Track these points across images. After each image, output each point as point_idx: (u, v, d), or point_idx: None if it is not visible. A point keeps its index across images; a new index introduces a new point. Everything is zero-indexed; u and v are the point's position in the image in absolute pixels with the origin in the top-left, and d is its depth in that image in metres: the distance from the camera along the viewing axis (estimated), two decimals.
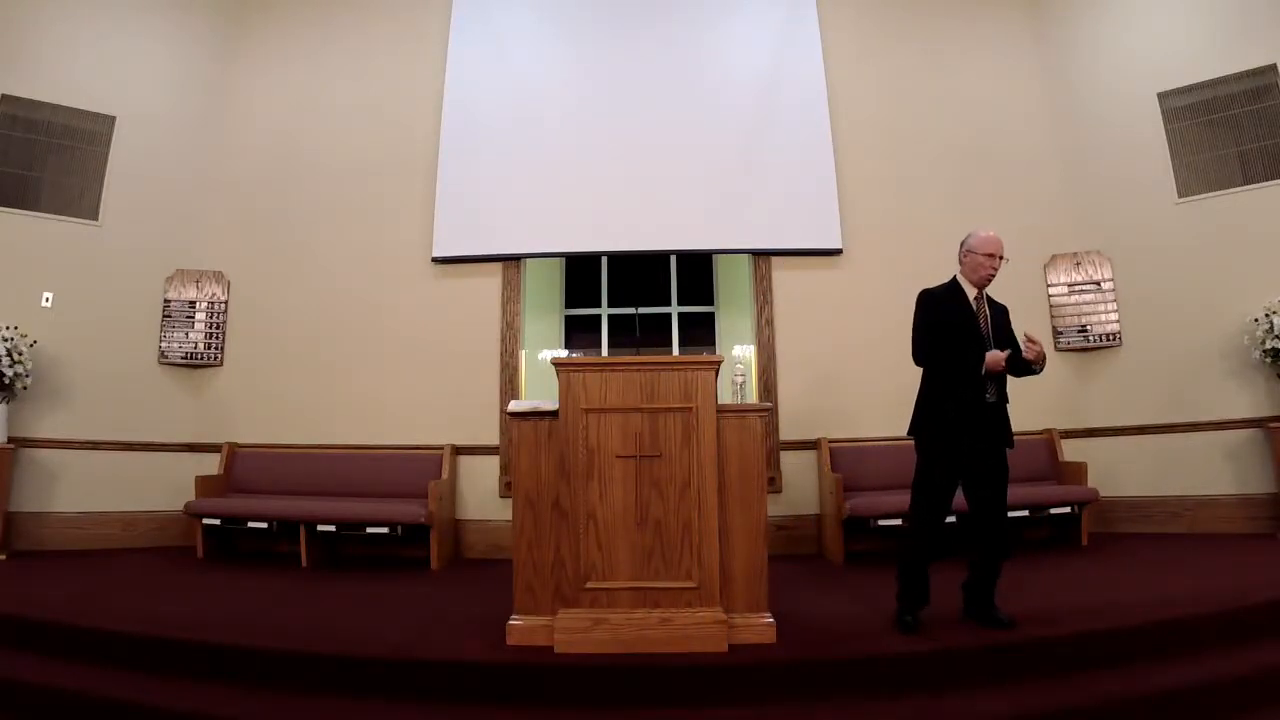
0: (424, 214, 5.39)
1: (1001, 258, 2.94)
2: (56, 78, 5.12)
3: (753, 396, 5.03)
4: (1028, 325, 4.99)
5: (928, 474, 2.89)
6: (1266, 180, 4.79)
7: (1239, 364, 4.75)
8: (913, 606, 2.82)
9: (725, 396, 3.55)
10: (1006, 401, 2.94)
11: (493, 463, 5.08)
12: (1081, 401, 5.17)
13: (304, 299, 5.39)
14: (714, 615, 2.65)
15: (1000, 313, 3.04)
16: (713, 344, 5.76)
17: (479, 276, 5.34)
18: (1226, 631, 2.67)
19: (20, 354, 4.61)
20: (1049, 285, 5.29)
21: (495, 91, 5.52)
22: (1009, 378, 2.96)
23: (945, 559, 2.88)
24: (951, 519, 2.97)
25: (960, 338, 2.89)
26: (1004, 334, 2.99)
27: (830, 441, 4.91)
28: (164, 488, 5.05)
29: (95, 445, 5.00)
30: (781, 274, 5.29)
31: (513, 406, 2.92)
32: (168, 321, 5.32)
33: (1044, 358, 2.89)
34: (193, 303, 5.36)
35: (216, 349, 5.37)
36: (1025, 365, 2.90)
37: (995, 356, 2.82)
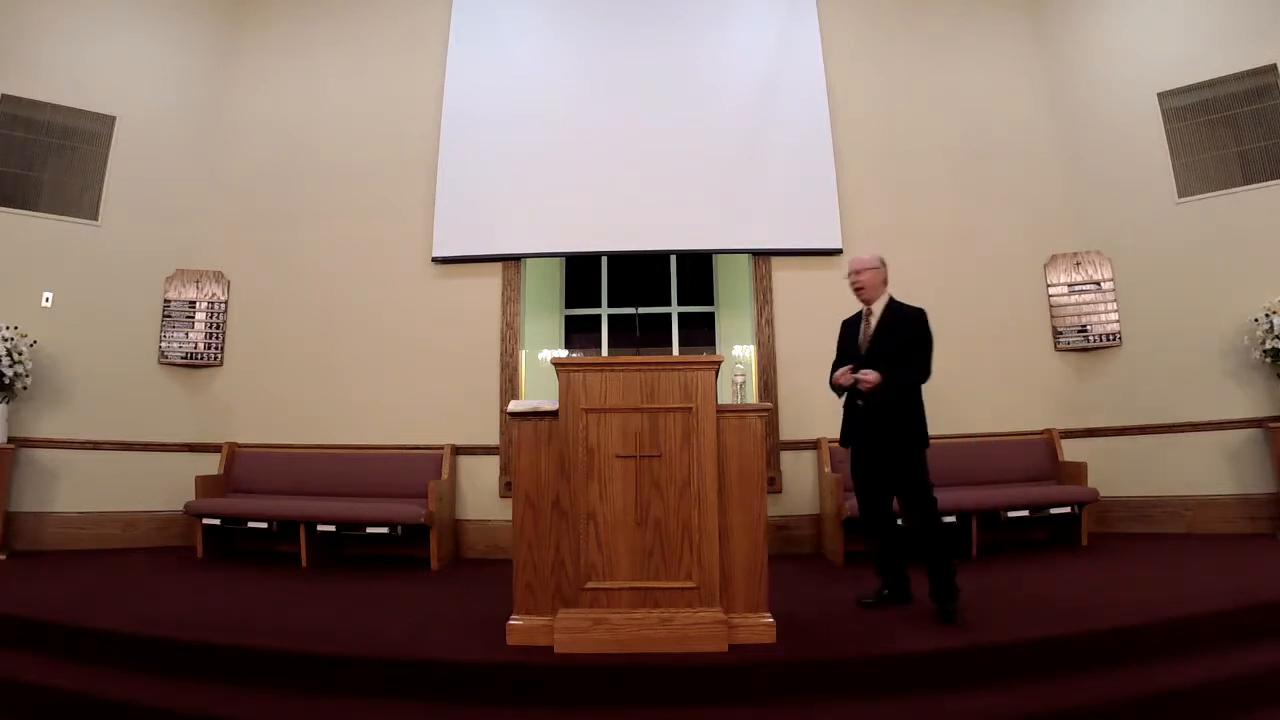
0: (424, 214, 5.39)
1: (854, 272, 3.28)
2: (56, 78, 5.12)
3: (753, 396, 5.03)
4: (1027, 325, 5.17)
5: (852, 475, 3.33)
6: (1266, 180, 4.79)
7: (1239, 364, 4.75)
8: (879, 589, 3.16)
9: (725, 396, 3.55)
10: (890, 404, 3.07)
11: (493, 463, 5.08)
12: (1081, 401, 5.15)
13: (304, 299, 5.39)
14: (714, 615, 2.64)
15: (896, 319, 3.20)
16: (713, 344, 5.75)
17: (479, 276, 5.34)
18: (1226, 631, 2.67)
19: (20, 354, 4.61)
20: (1049, 285, 5.29)
21: (495, 91, 5.51)
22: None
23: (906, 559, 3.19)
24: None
25: (844, 352, 3.33)
26: (895, 339, 3.14)
27: (830, 441, 4.90)
28: (164, 488, 5.05)
29: (95, 445, 5.01)
30: (781, 274, 5.29)
31: (513, 406, 2.92)
32: (168, 321, 5.32)
33: (864, 383, 3.07)
34: (193, 303, 5.36)
35: (216, 349, 5.37)
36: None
37: (838, 378, 3.19)
